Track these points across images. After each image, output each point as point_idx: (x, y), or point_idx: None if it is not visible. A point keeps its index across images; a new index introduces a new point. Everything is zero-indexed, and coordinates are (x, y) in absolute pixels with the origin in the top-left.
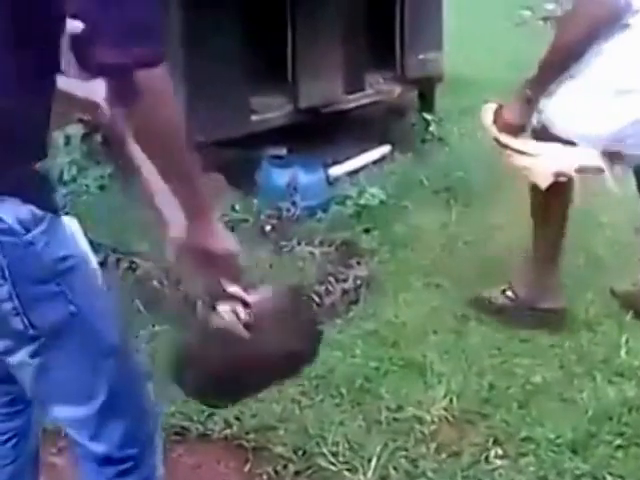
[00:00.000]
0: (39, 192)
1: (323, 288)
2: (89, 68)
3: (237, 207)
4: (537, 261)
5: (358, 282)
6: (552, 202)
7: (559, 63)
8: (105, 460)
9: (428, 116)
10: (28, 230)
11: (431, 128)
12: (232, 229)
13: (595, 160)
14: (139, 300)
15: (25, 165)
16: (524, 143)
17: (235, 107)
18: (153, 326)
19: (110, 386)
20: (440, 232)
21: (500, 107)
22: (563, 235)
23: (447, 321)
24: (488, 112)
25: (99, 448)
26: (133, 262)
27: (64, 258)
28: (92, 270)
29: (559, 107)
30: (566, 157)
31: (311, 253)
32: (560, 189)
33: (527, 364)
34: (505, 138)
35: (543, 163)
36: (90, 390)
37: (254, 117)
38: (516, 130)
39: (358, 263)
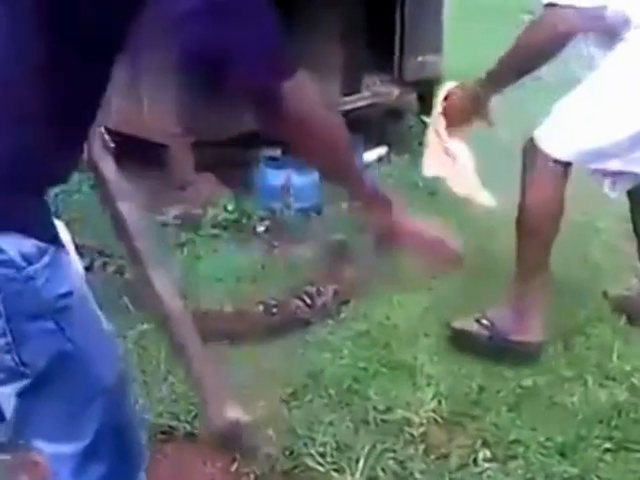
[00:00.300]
0: (43, 225)
1: (314, 289)
2: (230, 89)
3: (230, 207)
4: (517, 282)
5: (350, 283)
6: (541, 212)
7: (516, 67)
8: None
9: (426, 118)
10: (30, 263)
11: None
12: (225, 229)
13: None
14: (127, 298)
15: (32, 202)
16: (451, 138)
17: (230, 107)
18: (142, 324)
19: (98, 428)
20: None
21: (457, 89)
22: (548, 253)
23: (438, 323)
24: (444, 90)
25: None
26: (121, 265)
27: (65, 295)
28: (92, 306)
29: (552, 125)
30: (460, 175)
31: (303, 254)
32: (552, 201)
33: (518, 367)
34: (439, 118)
35: (440, 158)
36: (77, 431)
37: (249, 117)
38: (454, 118)
39: (351, 263)
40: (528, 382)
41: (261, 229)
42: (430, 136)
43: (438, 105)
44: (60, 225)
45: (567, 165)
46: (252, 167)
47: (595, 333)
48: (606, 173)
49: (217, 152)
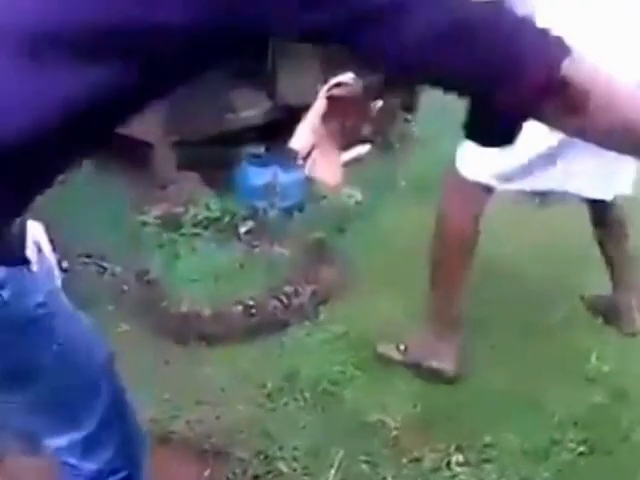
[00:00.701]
0: (11, 247)
1: (292, 289)
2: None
3: (212, 206)
4: (432, 314)
5: (328, 283)
6: (455, 235)
7: None
8: (97, 475)
9: (408, 115)
10: (2, 287)
11: (411, 127)
12: (206, 228)
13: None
14: (108, 300)
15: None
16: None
17: (212, 105)
18: (122, 324)
19: (103, 406)
20: (416, 233)
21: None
22: (461, 286)
23: (417, 325)
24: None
25: (92, 466)
26: (101, 265)
27: (41, 304)
28: (62, 297)
29: (469, 149)
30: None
31: (284, 253)
32: (467, 227)
33: (495, 369)
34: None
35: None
36: (81, 415)
37: (231, 115)
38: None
39: (330, 264)
40: (505, 383)
41: (243, 229)
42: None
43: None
44: (38, 227)
45: (489, 188)
46: (235, 165)
47: (573, 334)
48: (532, 192)
49: (201, 151)
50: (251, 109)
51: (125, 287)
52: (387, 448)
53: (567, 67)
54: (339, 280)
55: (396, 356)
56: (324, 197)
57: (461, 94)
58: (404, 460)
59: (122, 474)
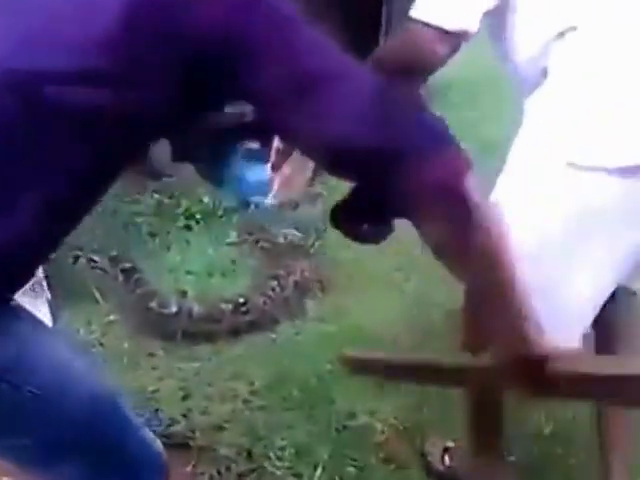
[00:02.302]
0: None
1: (276, 282)
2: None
3: (205, 199)
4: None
5: (308, 274)
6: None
7: None
8: None
9: None
10: None
11: None
12: (198, 222)
13: None
14: (97, 291)
15: None
16: None
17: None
18: (109, 315)
19: (107, 439)
20: (409, 232)
21: None
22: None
23: (409, 326)
24: None
25: None
26: (91, 259)
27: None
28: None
29: None
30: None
31: (273, 247)
32: None
33: None
34: None
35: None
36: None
37: (228, 109)
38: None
39: (316, 259)
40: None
41: (235, 222)
42: None
43: None
44: None
45: None
46: (230, 159)
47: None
48: None
49: (196, 144)
50: (247, 104)
51: (113, 282)
52: (374, 452)
53: (468, 182)
54: (322, 272)
55: (436, 464)
56: (319, 194)
57: (357, 177)
58: (392, 465)
59: None
